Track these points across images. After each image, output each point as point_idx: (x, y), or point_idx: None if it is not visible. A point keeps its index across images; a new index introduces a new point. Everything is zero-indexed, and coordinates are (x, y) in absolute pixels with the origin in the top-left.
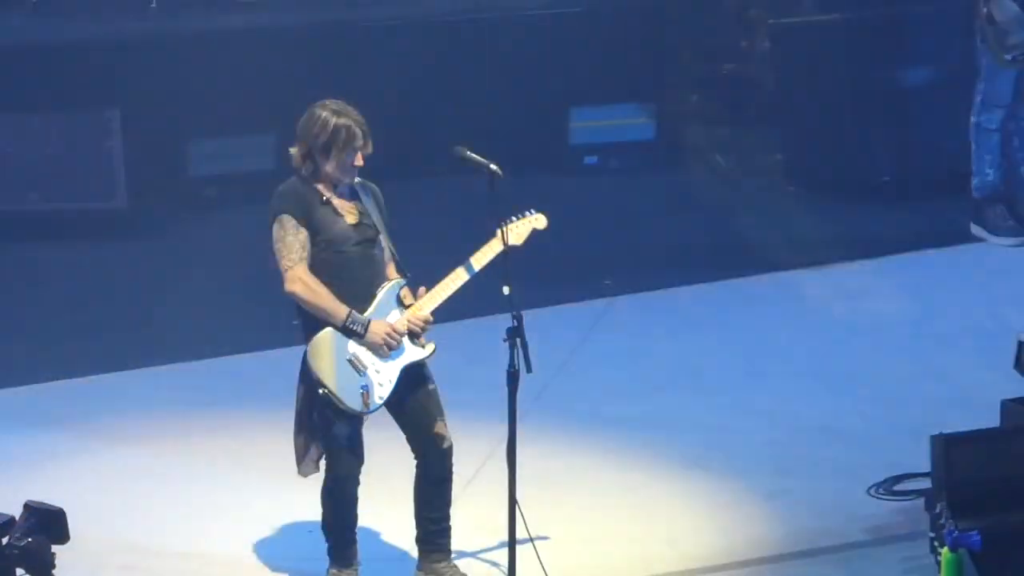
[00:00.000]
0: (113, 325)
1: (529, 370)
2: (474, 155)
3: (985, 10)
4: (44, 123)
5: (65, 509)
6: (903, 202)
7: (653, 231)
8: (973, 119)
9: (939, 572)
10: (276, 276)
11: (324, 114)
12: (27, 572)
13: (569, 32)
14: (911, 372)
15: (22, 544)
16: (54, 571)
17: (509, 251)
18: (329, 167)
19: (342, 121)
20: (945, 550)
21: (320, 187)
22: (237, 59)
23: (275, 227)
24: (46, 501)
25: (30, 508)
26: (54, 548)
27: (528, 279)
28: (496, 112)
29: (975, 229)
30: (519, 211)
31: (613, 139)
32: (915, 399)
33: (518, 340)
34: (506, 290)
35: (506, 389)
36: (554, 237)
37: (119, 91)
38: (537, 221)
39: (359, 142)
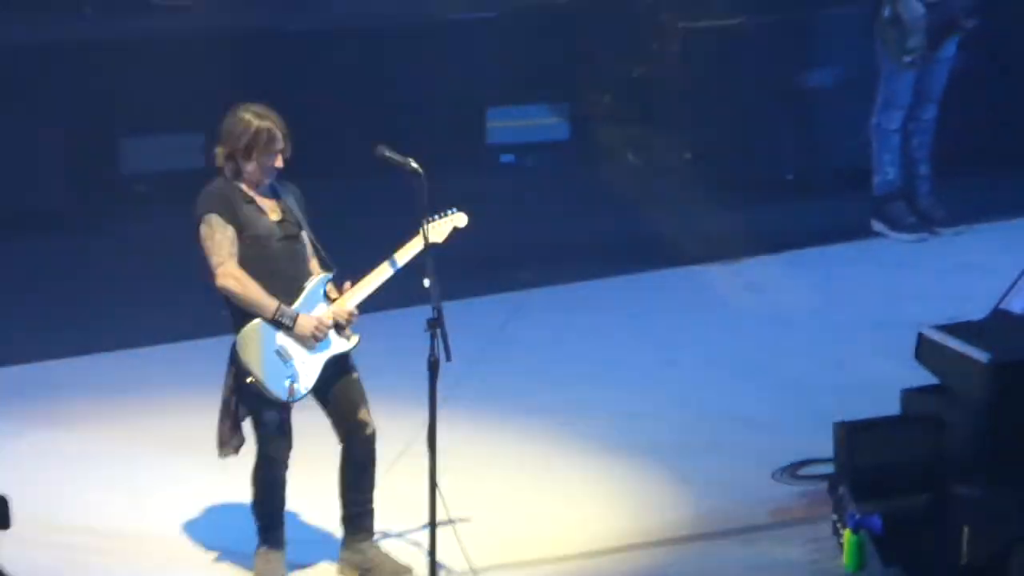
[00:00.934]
0: (51, 315)
1: (448, 359)
2: (395, 154)
3: (889, 11)
4: None
5: (4, 493)
6: (806, 199)
7: (567, 227)
8: (874, 120)
9: (841, 553)
10: (205, 269)
11: (246, 117)
12: None
13: (486, 37)
14: (815, 362)
15: None
16: None
17: (430, 248)
18: (250, 168)
19: (264, 124)
20: (847, 532)
21: (243, 186)
22: (166, 62)
23: (203, 226)
24: None
25: None
26: None
27: (447, 272)
28: (417, 113)
29: (876, 225)
30: (441, 209)
31: (528, 139)
32: (819, 387)
33: (438, 330)
34: (426, 283)
35: (427, 377)
36: (472, 232)
37: (56, 93)
38: (458, 219)
39: (279, 145)
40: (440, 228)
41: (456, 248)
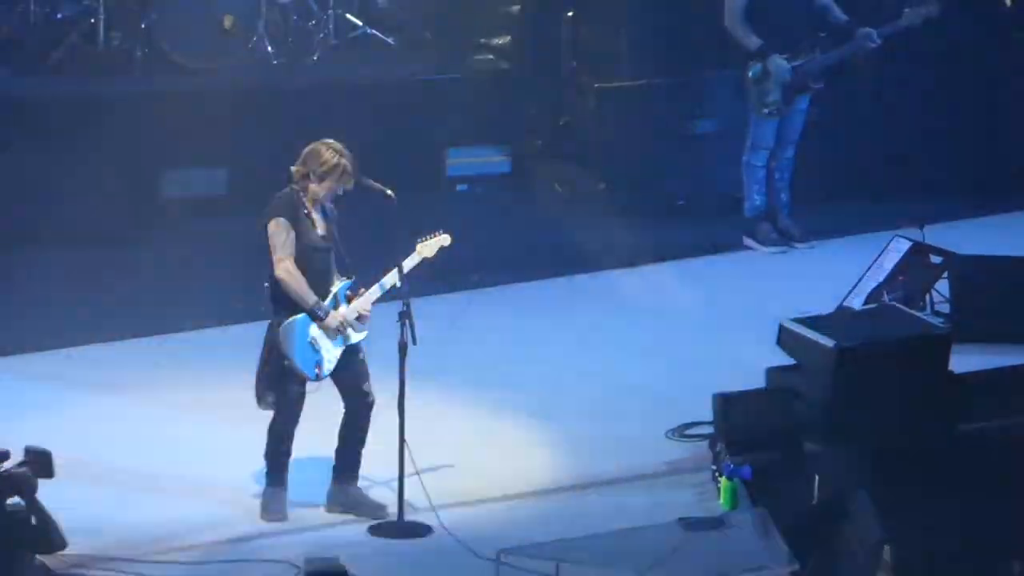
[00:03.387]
0: (105, 307)
1: (415, 343)
2: (374, 182)
3: (756, 71)
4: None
5: (67, 448)
6: (694, 219)
7: (509, 240)
8: (744, 159)
9: (719, 496)
10: (229, 271)
11: (332, 150)
12: (16, 495)
13: (448, 93)
14: (699, 346)
15: (13, 472)
16: (36, 495)
17: (422, 262)
18: (319, 189)
19: (343, 161)
20: (724, 479)
21: (306, 200)
22: (197, 112)
23: (271, 224)
24: (47, 443)
25: (27, 450)
26: (43, 480)
27: (415, 274)
28: (392, 151)
29: (747, 240)
30: (431, 231)
31: (479, 172)
32: (702, 366)
33: (407, 320)
34: (398, 283)
35: (397, 357)
36: None
37: (113, 135)
38: (444, 239)
39: (347, 179)
40: (431, 246)
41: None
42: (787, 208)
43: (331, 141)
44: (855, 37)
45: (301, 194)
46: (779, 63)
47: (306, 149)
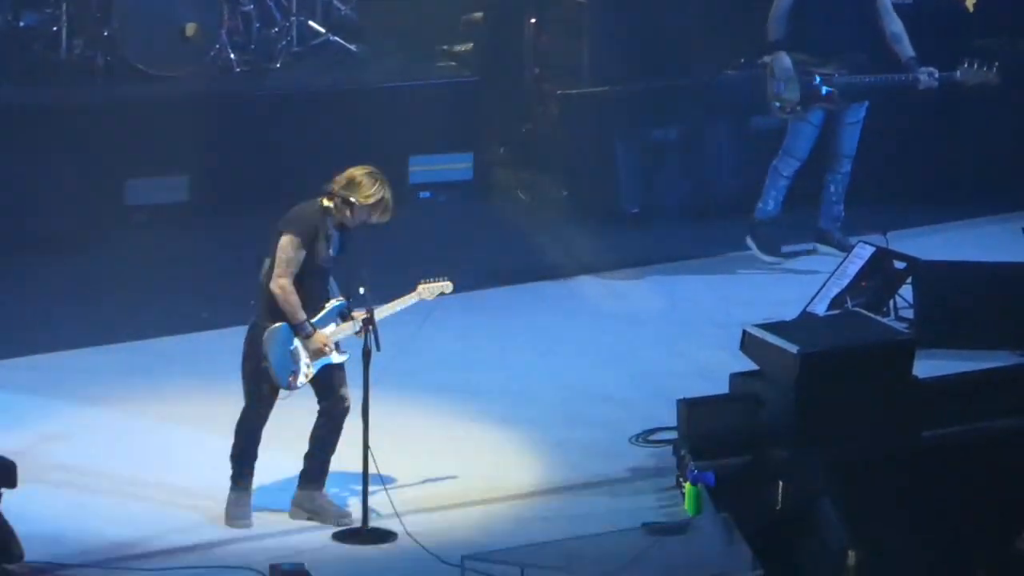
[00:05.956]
0: (71, 311)
1: (378, 349)
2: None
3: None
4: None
5: (28, 455)
6: (657, 226)
7: (471, 247)
8: (773, 163)
9: (683, 501)
10: (192, 278)
11: (377, 184)
12: None
13: (411, 100)
14: (663, 352)
15: None
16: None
17: (414, 299)
18: (354, 216)
19: (387, 195)
20: (688, 484)
21: (329, 222)
22: (160, 120)
23: (284, 238)
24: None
25: None
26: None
27: (379, 282)
28: (354, 158)
29: (748, 242)
30: (437, 275)
31: (442, 179)
32: (666, 372)
33: (371, 327)
34: (362, 290)
35: (362, 363)
36: (400, 251)
37: (77, 143)
38: (446, 286)
39: (386, 213)
40: (432, 290)
41: (386, 263)
42: (839, 222)
43: (375, 171)
44: (914, 71)
45: (330, 212)
46: (782, 61)
47: (349, 175)
